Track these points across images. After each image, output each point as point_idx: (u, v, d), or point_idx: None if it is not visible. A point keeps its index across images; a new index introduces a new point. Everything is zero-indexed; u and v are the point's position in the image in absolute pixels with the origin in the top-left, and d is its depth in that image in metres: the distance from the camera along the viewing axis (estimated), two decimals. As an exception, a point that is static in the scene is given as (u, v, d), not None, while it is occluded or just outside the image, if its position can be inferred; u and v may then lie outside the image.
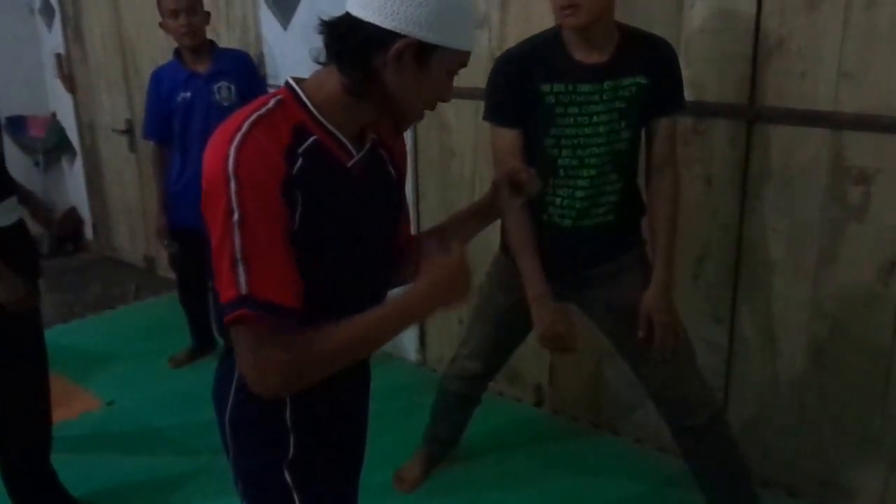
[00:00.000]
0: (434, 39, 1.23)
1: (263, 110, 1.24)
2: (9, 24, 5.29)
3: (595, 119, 2.10)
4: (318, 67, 1.32)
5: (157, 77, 3.43)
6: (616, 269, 2.26)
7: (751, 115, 2.46)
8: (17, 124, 5.32)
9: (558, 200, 2.19)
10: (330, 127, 1.28)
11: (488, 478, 2.85)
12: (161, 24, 3.34)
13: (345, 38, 1.25)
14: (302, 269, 1.24)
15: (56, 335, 4.16)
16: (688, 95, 2.24)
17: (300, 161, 1.23)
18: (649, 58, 2.11)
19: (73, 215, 5.69)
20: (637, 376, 2.34)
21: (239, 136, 1.20)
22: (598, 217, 2.20)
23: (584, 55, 2.08)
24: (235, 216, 1.17)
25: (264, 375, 1.21)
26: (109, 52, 4.97)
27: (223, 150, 1.19)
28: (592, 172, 2.14)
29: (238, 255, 1.17)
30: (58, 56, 5.32)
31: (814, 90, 2.32)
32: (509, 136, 2.17)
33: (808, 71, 2.32)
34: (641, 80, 2.10)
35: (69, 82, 5.33)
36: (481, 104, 2.25)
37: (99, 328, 4.36)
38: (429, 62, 1.25)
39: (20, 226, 2.55)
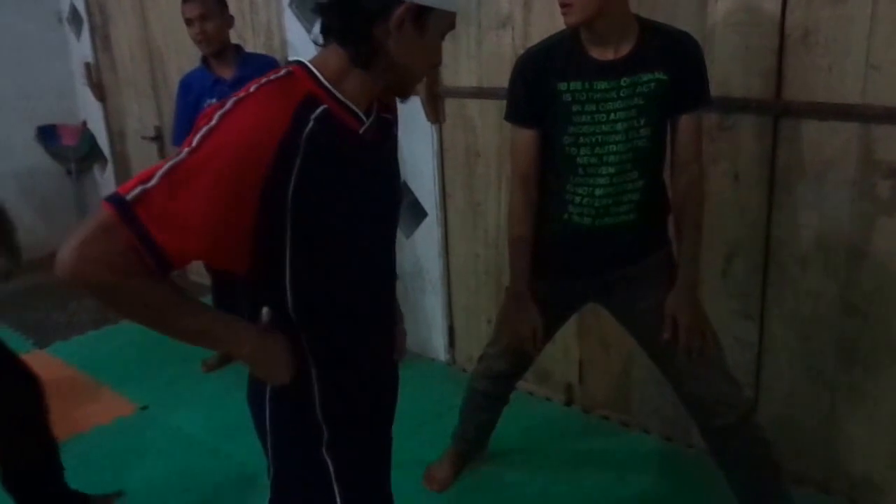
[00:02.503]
0: (428, 2, 1.28)
1: (274, 77, 1.27)
2: (38, 34, 5.37)
3: (612, 116, 2.08)
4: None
5: (185, 84, 3.46)
6: (642, 270, 2.24)
7: (777, 109, 2.43)
8: (48, 133, 5.39)
9: (577, 199, 2.18)
10: (340, 96, 1.30)
11: (519, 477, 2.85)
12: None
13: (345, 13, 1.28)
14: (301, 236, 1.25)
15: (89, 342, 4.24)
16: (713, 91, 2.22)
17: (311, 124, 1.23)
18: (670, 53, 2.08)
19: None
20: (665, 377, 2.32)
21: (244, 94, 1.22)
22: (619, 216, 2.18)
23: (600, 52, 2.07)
24: (187, 149, 1.16)
25: (82, 262, 1.12)
26: (137, 60, 5.03)
27: (224, 102, 1.21)
28: (612, 170, 2.12)
29: (159, 172, 1.14)
30: (87, 65, 5.39)
31: (841, 83, 2.29)
32: (525, 136, 2.19)
33: (836, 64, 2.29)
34: (661, 75, 2.07)
35: (98, 91, 5.40)
36: (505, 104, 2.26)
37: (131, 334, 4.39)
38: (426, 25, 1.29)
39: None
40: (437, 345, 3.74)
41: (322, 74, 1.29)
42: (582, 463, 2.92)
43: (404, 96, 1.43)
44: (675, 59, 2.08)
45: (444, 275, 3.61)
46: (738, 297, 2.67)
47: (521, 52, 2.92)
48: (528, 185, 2.23)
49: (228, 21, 3.38)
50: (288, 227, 1.24)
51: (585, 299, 2.46)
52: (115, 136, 5.48)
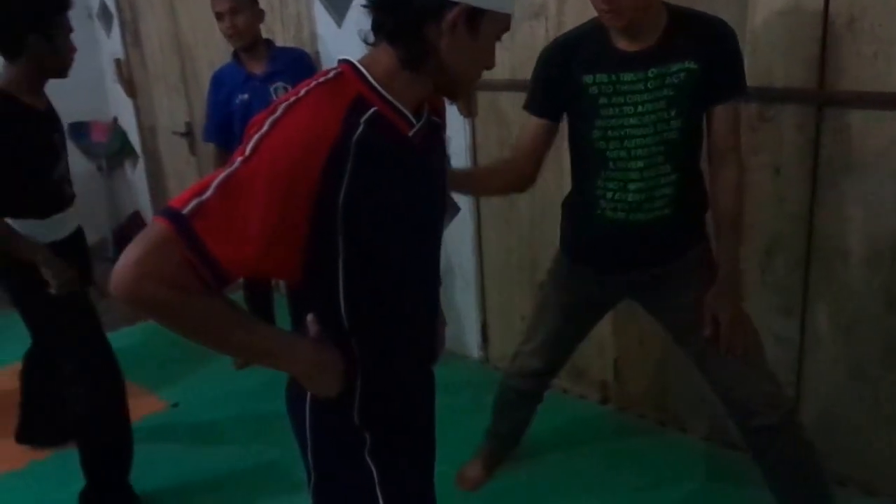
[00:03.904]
0: (483, 4, 1.24)
1: (323, 80, 1.24)
2: (69, 32, 5.39)
3: (640, 109, 2.01)
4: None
5: (217, 79, 3.44)
6: (679, 267, 2.18)
7: (821, 99, 2.36)
8: (80, 130, 5.43)
9: (609, 194, 2.12)
10: (390, 98, 1.27)
11: (553, 476, 2.81)
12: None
13: (397, 12, 1.25)
14: (354, 242, 1.23)
15: (122, 338, 4.22)
16: (754, 81, 2.16)
17: (361, 128, 1.21)
18: (701, 41, 1.99)
19: (137, 220, 5.79)
20: (703, 376, 2.25)
21: (294, 98, 1.20)
22: (653, 211, 2.11)
23: (627, 43, 2.00)
24: (242, 157, 1.14)
25: (139, 280, 1.10)
26: (167, 56, 5.04)
27: (273, 107, 1.20)
28: (641, 164, 2.06)
29: (214, 183, 1.13)
30: (117, 61, 5.41)
31: (888, 71, 2.21)
32: (533, 124, 2.15)
33: (882, 51, 2.21)
34: (691, 65, 1.98)
35: (129, 87, 5.42)
36: None
37: (162, 332, 4.38)
38: (479, 28, 1.26)
39: (74, 238, 2.71)
40: (470, 342, 3.71)
41: (371, 75, 1.26)
42: (617, 462, 2.87)
43: (454, 99, 1.40)
44: (706, 48, 1.99)
45: (477, 271, 3.57)
46: (779, 293, 2.60)
47: (554, 43, 2.89)
48: (514, 162, 2.18)
49: (259, 15, 3.34)
50: (340, 232, 1.22)
51: (621, 296, 2.40)
52: (146, 131, 5.50)
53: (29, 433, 3.19)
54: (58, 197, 2.64)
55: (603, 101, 2.04)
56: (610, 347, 3.15)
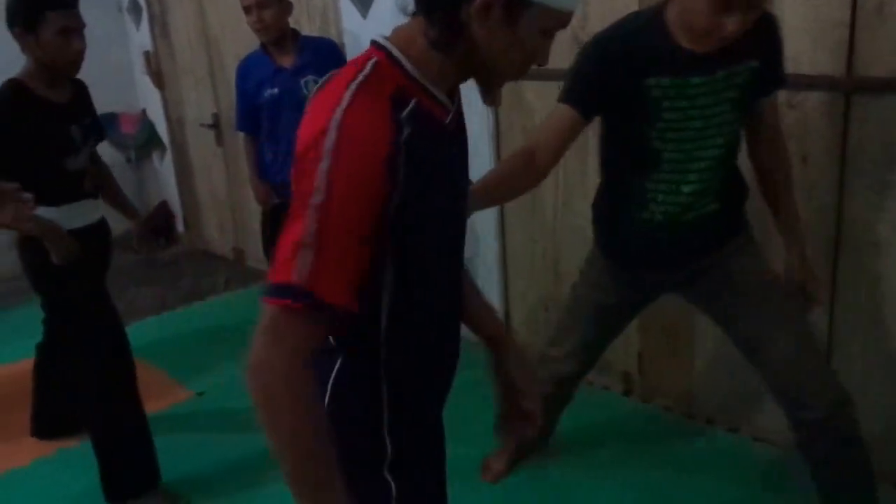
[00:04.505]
0: None
1: (361, 77, 1.14)
2: (98, 23, 5.41)
3: (706, 112, 1.93)
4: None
5: (244, 70, 3.42)
6: (726, 253, 2.12)
7: (849, 86, 2.32)
8: (109, 122, 5.46)
9: (660, 196, 2.04)
10: (428, 86, 1.19)
11: (576, 468, 2.80)
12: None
13: None
14: (402, 248, 1.18)
15: (149, 327, 4.30)
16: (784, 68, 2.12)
17: (407, 128, 1.13)
18: (760, 37, 1.90)
19: (164, 209, 5.84)
20: (755, 365, 2.16)
21: (340, 110, 1.10)
22: (703, 208, 2.05)
23: (692, 42, 1.87)
24: (318, 197, 1.07)
25: (271, 369, 1.09)
26: (195, 49, 5.07)
27: (322, 123, 1.09)
28: (701, 166, 1.99)
29: (307, 239, 1.07)
30: (146, 53, 5.46)
31: (919, 58, 2.18)
32: (565, 117, 2.01)
33: (913, 37, 2.18)
34: (754, 63, 1.92)
35: (157, 79, 5.47)
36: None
37: (190, 320, 4.46)
38: (519, 19, 1.14)
39: (94, 228, 2.76)
40: (493, 332, 3.69)
41: (408, 58, 1.18)
42: (641, 454, 2.85)
43: (488, 90, 1.28)
44: (765, 44, 1.93)
45: (500, 260, 3.56)
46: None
47: (580, 32, 2.86)
48: (530, 156, 2.01)
49: (287, 8, 3.31)
50: (390, 238, 1.16)
51: (662, 293, 2.35)
52: (174, 123, 5.54)
53: (41, 425, 3.21)
54: (72, 188, 2.67)
55: (666, 104, 1.93)
56: (634, 339, 3.13)
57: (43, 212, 2.55)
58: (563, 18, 1.19)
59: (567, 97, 2.03)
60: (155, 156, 5.85)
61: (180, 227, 5.84)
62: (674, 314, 2.59)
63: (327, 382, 1.31)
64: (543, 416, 2.60)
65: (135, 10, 5.48)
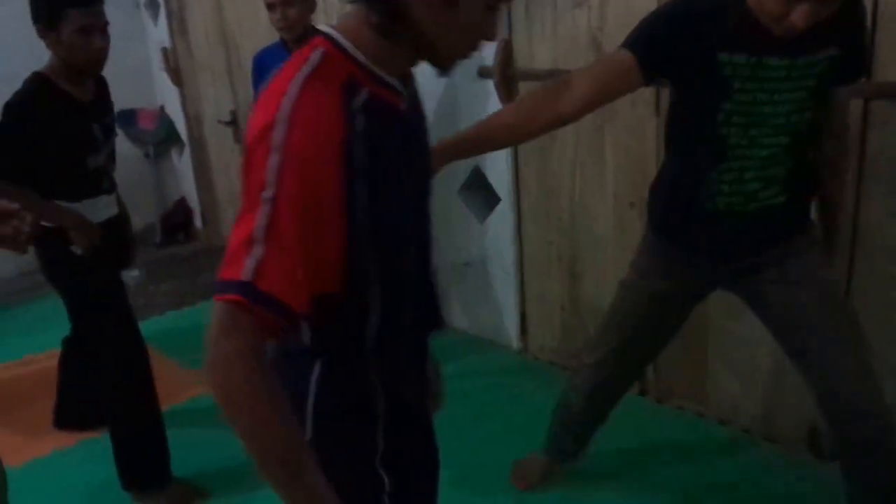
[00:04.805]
0: None
1: (309, 67, 1.11)
2: (116, 20, 5.42)
3: (777, 97, 1.83)
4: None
5: (261, 62, 3.38)
6: (790, 250, 2.03)
7: (868, 91, 2.31)
8: (128, 118, 5.51)
9: (725, 187, 1.94)
10: (379, 73, 1.16)
11: (591, 467, 2.80)
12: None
13: None
14: (366, 249, 1.15)
15: (167, 322, 4.34)
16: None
17: (361, 118, 1.11)
18: (843, 23, 1.79)
19: (182, 206, 5.88)
20: (806, 375, 2.07)
21: (288, 102, 1.07)
22: (768, 199, 1.95)
23: (773, 22, 1.73)
24: (268, 192, 1.05)
25: (227, 364, 1.06)
26: (213, 45, 5.09)
27: (270, 116, 1.07)
28: (764, 153, 1.89)
29: (257, 235, 1.05)
30: (164, 50, 5.49)
31: (940, 63, 2.18)
32: (624, 60, 1.85)
33: (934, 43, 2.17)
34: (834, 51, 1.81)
35: (175, 75, 5.49)
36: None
37: (208, 315, 4.45)
38: None
39: (112, 223, 2.80)
40: (509, 332, 3.71)
41: (355, 46, 1.15)
42: (655, 454, 2.86)
43: (442, 70, 1.24)
44: (848, 31, 1.83)
45: (516, 261, 3.57)
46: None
47: (599, 34, 2.86)
48: (561, 96, 1.87)
49: (311, 6, 3.26)
50: (367, 235, 1.14)
51: (715, 285, 2.21)
52: (192, 120, 5.57)
53: (65, 417, 3.26)
54: (91, 185, 2.72)
55: (736, 84, 1.82)
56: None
57: (62, 205, 2.63)
58: None
59: (631, 43, 1.87)
60: (173, 152, 5.88)
61: (198, 223, 5.88)
62: (690, 315, 2.58)
63: (308, 388, 1.28)
64: (576, 434, 2.57)
65: (152, 6, 5.51)
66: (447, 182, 3.77)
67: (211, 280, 4.99)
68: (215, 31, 5.02)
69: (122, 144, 5.50)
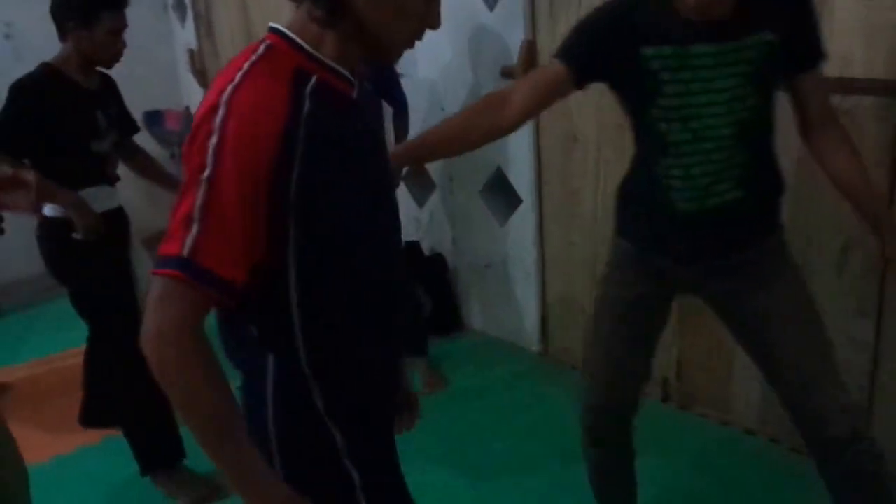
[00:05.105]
0: None
1: (254, 57, 1.17)
2: (144, 21, 5.50)
3: (711, 86, 1.79)
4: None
5: None
6: (756, 255, 1.97)
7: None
8: (154, 118, 5.55)
9: (676, 183, 1.90)
10: (328, 62, 1.20)
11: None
12: None
13: None
14: (311, 234, 1.18)
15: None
16: (832, 71, 2.06)
17: (307, 104, 1.15)
18: (779, 8, 1.78)
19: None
20: (772, 383, 2.06)
21: (231, 87, 1.12)
22: (724, 194, 1.90)
23: (696, 10, 1.73)
24: (206, 172, 1.10)
25: (160, 337, 1.10)
26: (238, 47, 5.10)
27: (213, 100, 1.12)
28: (709, 146, 1.84)
29: (195, 214, 1.10)
30: (190, 51, 5.52)
31: (976, 62, 2.12)
32: (555, 71, 1.87)
33: (970, 41, 2.12)
34: (769, 36, 1.76)
35: (201, 77, 5.52)
36: (605, 86, 2.02)
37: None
38: None
39: (112, 216, 2.84)
40: (530, 335, 3.67)
41: (303, 40, 1.19)
42: (676, 463, 2.81)
43: (386, 63, 1.32)
44: (783, 15, 1.79)
45: (538, 263, 3.54)
46: (854, 292, 2.51)
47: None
48: (503, 107, 1.89)
49: None
50: (291, 216, 1.16)
51: (681, 288, 2.14)
52: (217, 121, 5.60)
53: (90, 415, 3.25)
54: (94, 172, 2.76)
55: (666, 76, 1.80)
56: (673, 346, 3.08)
57: None
58: None
59: (560, 52, 1.90)
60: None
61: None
62: (713, 321, 2.53)
63: (265, 380, 1.29)
64: (615, 481, 2.40)
65: (180, 8, 5.55)
66: (469, 183, 3.75)
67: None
68: (240, 33, 5.04)
69: (148, 145, 5.54)
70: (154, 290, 1.12)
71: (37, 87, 2.63)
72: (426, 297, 3.79)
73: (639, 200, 2.05)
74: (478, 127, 1.95)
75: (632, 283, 2.10)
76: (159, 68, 5.58)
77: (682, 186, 1.91)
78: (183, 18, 5.55)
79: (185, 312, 1.11)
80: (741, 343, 2.11)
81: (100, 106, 2.79)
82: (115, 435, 3.15)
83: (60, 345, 3.92)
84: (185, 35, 5.56)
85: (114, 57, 2.74)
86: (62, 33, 2.66)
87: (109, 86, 2.91)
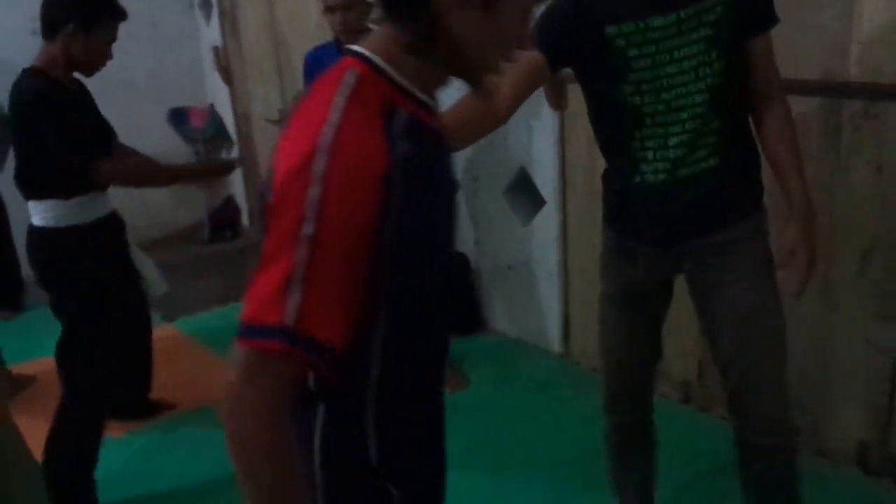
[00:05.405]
0: None
1: (347, 90, 1.04)
2: (170, 19, 5.57)
3: (677, 54, 1.80)
4: None
5: (315, 61, 3.35)
6: (729, 243, 1.94)
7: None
8: (179, 115, 5.61)
9: (650, 154, 1.89)
10: (418, 94, 1.10)
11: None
12: (323, 14, 3.30)
13: None
14: (409, 287, 1.09)
15: (214, 318, 4.40)
16: (860, 77, 2.06)
17: (402, 144, 1.03)
18: None
19: (230, 203, 5.95)
20: (724, 370, 2.05)
21: (330, 129, 1.00)
22: (698, 163, 1.88)
23: None
24: (309, 228, 0.97)
25: (249, 416, 1.00)
26: (263, 45, 5.15)
27: (309, 145, 1.00)
28: (684, 116, 1.84)
29: (298, 274, 0.97)
30: (215, 49, 5.56)
31: None
32: (527, 60, 1.87)
33: None
34: None
35: (226, 74, 5.56)
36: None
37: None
38: (497, 2, 1.05)
39: (106, 221, 2.74)
40: (552, 336, 3.69)
41: (391, 66, 1.08)
42: (697, 464, 2.81)
43: (476, 86, 1.17)
44: None
45: (561, 264, 3.55)
46: (876, 297, 2.50)
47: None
48: (488, 105, 1.86)
49: (369, 10, 3.16)
50: (387, 269, 1.06)
51: (676, 271, 2.08)
52: (241, 118, 5.64)
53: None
54: (81, 180, 2.62)
55: (633, 52, 1.81)
56: (694, 348, 3.08)
57: (53, 205, 2.60)
58: None
59: (536, 42, 1.91)
60: (223, 150, 5.96)
61: (245, 220, 5.94)
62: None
63: (313, 431, 1.19)
64: (634, 475, 2.42)
65: (205, 6, 5.59)
66: (493, 184, 3.77)
67: (256, 277, 5.04)
68: (266, 31, 5.07)
69: (174, 142, 5.63)
70: (244, 361, 1.00)
71: (48, 89, 2.55)
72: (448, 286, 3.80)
73: (613, 184, 2.06)
74: (476, 126, 1.94)
75: (623, 274, 2.11)
76: (185, 66, 5.64)
77: (655, 158, 1.90)
78: (208, 16, 5.60)
79: (282, 387, 1.01)
80: (710, 329, 2.08)
81: (88, 110, 2.74)
82: (138, 429, 3.21)
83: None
84: (211, 33, 5.61)
85: (100, 66, 2.67)
86: (53, 32, 2.55)
87: (85, 91, 2.79)
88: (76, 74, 2.68)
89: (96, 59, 2.63)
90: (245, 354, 1.00)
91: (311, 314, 0.98)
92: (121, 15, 2.63)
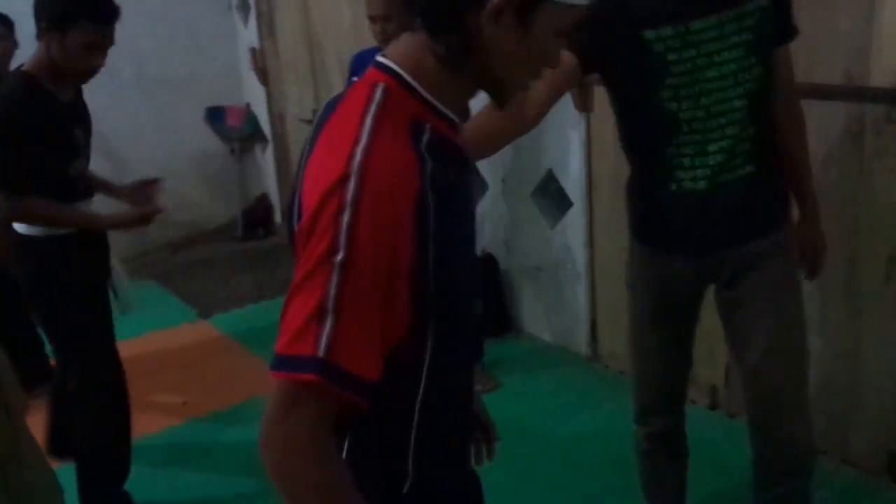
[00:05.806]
0: None
1: (375, 107, 1.02)
2: (209, 21, 5.67)
3: (717, 58, 1.76)
4: None
5: (362, 62, 3.33)
6: (765, 249, 1.92)
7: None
8: (216, 114, 5.71)
9: (686, 161, 1.85)
10: (443, 109, 1.08)
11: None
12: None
13: None
14: (451, 306, 1.07)
15: (248, 315, 4.47)
16: (882, 81, 2.05)
17: (429, 161, 1.01)
18: None
19: (264, 201, 6.04)
20: (751, 393, 2.03)
21: (360, 150, 0.98)
22: (735, 170, 1.86)
23: None
24: (339, 256, 0.94)
25: (288, 448, 0.98)
26: (298, 47, 5.22)
27: (340, 168, 0.97)
28: (723, 121, 1.81)
29: (329, 306, 0.95)
30: (252, 50, 5.65)
31: None
32: (565, 59, 1.78)
33: None
34: (762, 2, 1.76)
35: (262, 75, 5.65)
36: None
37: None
38: (532, 21, 1.03)
39: (82, 234, 2.59)
40: (579, 338, 3.70)
41: (418, 82, 1.06)
42: (724, 472, 2.80)
43: (502, 105, 1.16)
44: None
45: (588, 266, 3.56)
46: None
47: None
48: (522, 104, 1.83)
49: (409, 23, 3.28)
50: (431, 299, 1.03)
51: (712, 279, 2.04)
52: (276, 118, 5.72)
53: (56, 445, 2.95)
54: (69, 190, 2.54)
55: (672, 56, 1.77)
56: (722, 353, 3.07)
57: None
58: (576, 14, 1.10)
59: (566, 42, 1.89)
60: (257, 148, 6.04)
61: (278, 219, 6.02)
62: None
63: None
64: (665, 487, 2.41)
65: (244, 8, 5.68)
66: (520, 186, 3.79)
67: (289, 275, 5.15)
68: (301, 33, 5.14)
69: (210, 140, 5.73)
70: (279, 393, 0.99)
71: (19, 109, 2.38)
72: (477, 298, 3.83)
73: (644, 193, 2.02)
74: (505, 130, 1.90)
75: (657, 291, 2.08)
76: (222, 66, 5.73)
77: (693, 165, 1.87)
78: (246, 18, 5.68)
79: (321, 418, 0.98)
80: (735, 341, 2.08)
81: (77, 121, 2.56)
82: (176, 425, 3.27)
83: (133, 331, 4.03)
84: (248, 34, 5.69)
85: (84, 73, 2.45)
86: (38, 32, 2.39)
87: (80, 97, 2.64)
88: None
89: (77, 63, 2.39)
90: (280, 386, 0.99)
91: (343, 345, 0.95)
92: (103, 17, 2.35)
